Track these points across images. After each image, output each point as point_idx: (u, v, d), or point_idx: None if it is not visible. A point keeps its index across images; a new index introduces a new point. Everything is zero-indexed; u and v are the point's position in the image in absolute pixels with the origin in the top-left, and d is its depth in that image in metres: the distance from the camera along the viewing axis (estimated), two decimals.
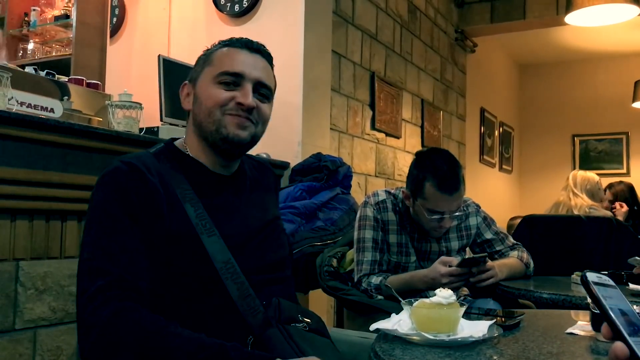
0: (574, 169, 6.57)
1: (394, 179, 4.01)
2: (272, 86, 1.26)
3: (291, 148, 2.85)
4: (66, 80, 2.68)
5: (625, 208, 3.94)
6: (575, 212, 3.30)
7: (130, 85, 2.66)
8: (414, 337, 1.05)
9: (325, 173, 2.62)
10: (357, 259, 1.93)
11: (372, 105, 3.73)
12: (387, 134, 3.92)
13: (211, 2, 3.15)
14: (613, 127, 6.71)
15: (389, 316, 1.16)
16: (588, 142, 6.89)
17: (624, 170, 6.60)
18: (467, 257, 1.95)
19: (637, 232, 3.40)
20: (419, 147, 4.28)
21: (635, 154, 6.66)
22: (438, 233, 1.92)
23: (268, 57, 1.27)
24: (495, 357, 0.99)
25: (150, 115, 2.59)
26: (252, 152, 2.93)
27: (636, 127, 6.60)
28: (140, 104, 2.37)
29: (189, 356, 0.96)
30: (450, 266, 1.74)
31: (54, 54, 3.50)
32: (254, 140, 1.22)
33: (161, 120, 2.58)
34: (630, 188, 4.17)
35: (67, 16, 3.43)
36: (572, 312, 1.36)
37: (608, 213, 3.46)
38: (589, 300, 1.22)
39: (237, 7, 3.06)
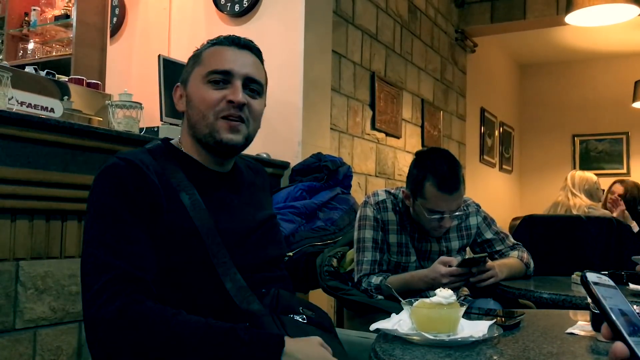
0: (574, 169, 6.58)
1: (394, 179, 4.01)
2: (263, 81, 1.26)
3: (291, 148, 2.85)
4: (66, 80, 2.68)
5: (622, 206, 3.93)
6: (574, 212, 3.30)
7: (130, 85, 2.66)
8: (414, 337, 1.05)
9: (326, 173, 2.62)
10: (357, 258, 1.93)
11: (372, 105, 3.73)
12: (387, 134, 3.92)
13: (211, 2, 3.15)
14: (613, 127, 6.71)
15: (389, 316, 1.16)
16: (588, 142, 6.89)
17: (624, 170, 6.60)
18: (467, 257, 1.95)
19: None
20: (419, 147, 4.28)
21: (635, 154, 6.66)
22: (438, 233, 1.92)
23: (257, 53, 1.27)
24: (495, 357, 0.99)
25: (151, 115, 2.60)
26: (253, 152, 2.91)
27: (636, 127, 6.60)
28: (141, 104, 2.37)
29: (200, 342, 0.98)
30: (450, 266, 1.74)
31: (54, 53, 3.50)
32: (248, 141, 1.23)
33: (161, 120, 2.58)
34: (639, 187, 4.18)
35: (67, 16, 3.43)
36: (572, 312, 1.36)
37: (607, 213, 3.46)
38: (589, 300, 1.22)
39: (237, 7, 3.06)
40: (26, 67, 2.60)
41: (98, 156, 1.91)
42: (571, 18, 3.42)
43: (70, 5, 3.38)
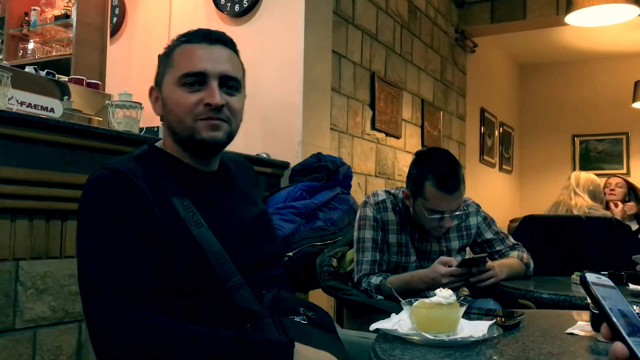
0: (574, 169, 6.58)
1: (394, 179, 4.01)
2: (240, 75, 1.22)
3: (291, 148, 2.85)
4: (66, 80, 2.69)
5: (620, 206, 3.94)
6: (575, 212, 3.29)
7: (130, 85, 2.66)
8: (414, 337, 1.05)
9: (326, 173, 2.62)
10: (357, 259, 1.93)
11: (372, 105, 3.73)
12: (387, 134, 3.92)
13: (211, 2, 3.15)
14: (613, 128, 6.71)
15: (389, 316, 1.16)
16: (588, 142, 6.89)
17: (624, 171, 6.60)
18: (467, 257, 1.95)
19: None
20: (419, 147, 4.28)
21: (635, 154, 6.66)
22: (438, 233, 1.92)
23: (231, 45, 1.22)
24: (495, 357, 0.99)
25: (151, 115, 2.57)
26: (253, 152, 2.91)
27: (636, 128, 6.60)
28: (141, 104, 2.37)
29: (211, 352, 0.98)
30: (450, 266, 1.74)
31: (54, 53, 3.50)
32: (230, 137, 1.20)
33: (161, 120, 2.57)
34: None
35: (67, 16, 3.43)
36: (572, 312, 1.36)
37: (607, 213, 3.46)
38: (588, 300, 1.22)
39: (237, 7, 3.06)
40: (26, 67, 2.60)
41: (98, 156, 1.91)
42: (571, 18, 3.41)
43: (70, 5, 3.38)
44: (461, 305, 1.10)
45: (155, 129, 2.45)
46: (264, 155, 2.75)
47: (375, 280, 1.87)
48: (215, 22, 3.15)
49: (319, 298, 2.37)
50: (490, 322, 1.11)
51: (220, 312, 1.09)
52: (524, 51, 6.71)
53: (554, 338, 1.12)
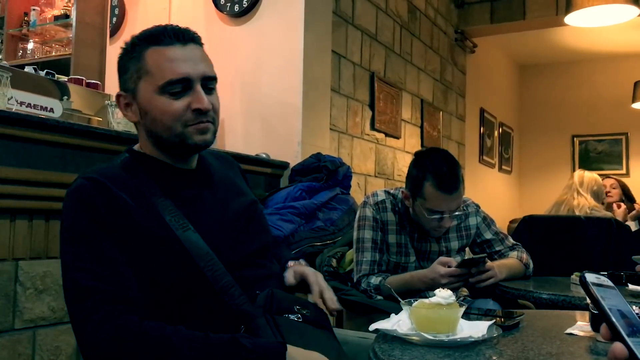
0: (574, 169, 6.57)
1: (394, 179, 4.01)
2: (214, 72, 1.19)
3: (291, 148, 2.85)
4: (66, 80, 2.68)
5: (623, 207, 3.93)
6: (577, 212, 3.27)
7: None
8: (414, 338, 1.05)
9: (325, 173, 2.62)
10: (357, 259, 1.94)
11: (371, 106, 3.73)
12: (386, 134, 3.92)
13: (211, 2, 3.15)
14: (612, 128, 6.72)
15: (389, 316, 1.16)
16: (588, 142, 6.89)
17: (624, 171, 6.61)
18: (466, 257, 1.95)
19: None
20: (418, 148, 4.28)
21: (634, 154, 6.66)
22: (438, 233, 1.92)
23: (199, 41, 1.18)
24: (494, 358, 0.99)
25: None
26: (252, 152, 2.90)
27: (636, 128, 6.61)
28: None
29: (205, 357, 0.97)
30: (449, 267, 1.74)
31: (53, 53, 3.50)
32: (215, 136, 1.20)
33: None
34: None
35: (67, 16, 3.43)
36: (571, 312, 1.36)
37: (608, 214, 3.45)
38: (588, 300, 1.22)
39: (237, 7, 3.06)
40: (26, 67, 2.60)
41: (98, 156, 1.91)
42: (570, 19, 3.42)
43: (70, 5, 3.38)
44: (460, 305, 1.10)
45: None
46: (264, 156, 2.75)
47: (375, 280, 1.87)
48: (215, 22, 3.15)
49: None
50: (490, 323, 1.11)
51: (213, 314, 1.08)
52: (524, 51, 6.71)
53: (554, 338, 1.12)
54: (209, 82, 1.16)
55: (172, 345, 0.98)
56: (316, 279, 1.26)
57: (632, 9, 3.24)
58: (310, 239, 2.32)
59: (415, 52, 4.35)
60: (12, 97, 1.99)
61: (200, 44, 1.18)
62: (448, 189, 1.78)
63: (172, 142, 1.15)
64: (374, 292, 1.86)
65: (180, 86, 1.12)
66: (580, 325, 1.20)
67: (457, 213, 1.86)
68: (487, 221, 2.08)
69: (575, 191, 3.41)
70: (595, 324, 1.13)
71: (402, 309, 1.15)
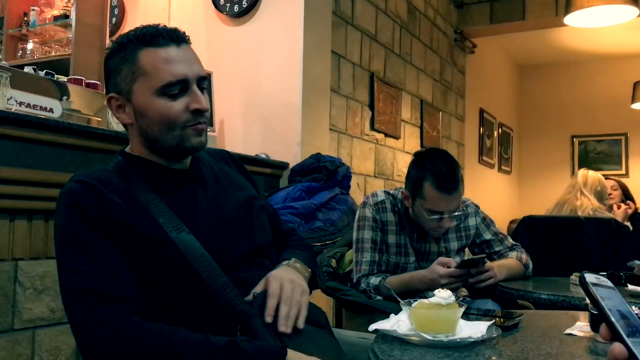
0: (573, 169, 6.58)
1: (393, 179, 4.02)
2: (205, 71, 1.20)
3: (290, 148, 2.85)
4: (65, 80, 2.68)
5: (623, 207, 3.93)
6: (580, 213, 3.24)
7: None
8: (413, 338, 1.05)
9: (325, 173, 2.62)
10: (356, 259, 1.94)
11: (371, 106, 3.73)
12: (386, 135, 3.92)
13: (210, 2, 3.15)
14: (612, 128, 6.72)
15: (388, 317, 1.16)
16: (587, 143, 6.90)
17: (623, 171, 6.61)
18: (466, 258, 1.95)
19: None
20: (418, 148, 4.28)
21: (634, 155, 6.66)
22: (437, 233, 1.92)
23: (189, 41, 1.18)
24: (494, 358, 0.99)
25: None
26: (252, 152, 2.90)
27: (635, 128, 6.61)
28: None
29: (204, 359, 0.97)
30: (449, 267, 1.74)
31: (53, 54, 3.49)
32: (207, 136, 1.20)
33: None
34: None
35: (66, 16, 3.42)
36: (571, 312, 1.36)
37: (611, 216, 3.43)
38: (587, 301, 1.22)
39: (236, 8, 3.06)
40: (25, 67, 2.60)
41: (97, 156, 1.91)
42: (570, 19, 3.42)
43: (70, 5, 3.38)
44: (460, 305, 1.10)
45: None
46: (263, 156, 2.75)
47: (374, 280, 1.87)
48: (215, 22, 3.15)
49: (318, 298, 2.38)
50: (489, 323, 1.11)
51: (210, 315, 1.08)
52: (523, 52, 6.72)
53: (553, 339, 1.12)
54: (202, 82, 1.17)
55: (172, 347, 0.97)
56: (278, 289, 1.11)
57: (632, 10, 3.24)
58: (309, 239, 2.32)
59: (414, 52, 4.35)
60: (11, 97, 1.99)
61: (190, 43, 1.18)
62: (448, 189, 1.78)
63: (169, 144, 1.14)
64: (374, 293, 1.86)
65: (179, 87, 1.11)
66: (580, 326, 1.20)
67: (456, 213, 1.86)
68: (487, 221, 2.08)
69: (579, 191, 3.38)
70: (594, 324, 1.13)
71: (401, 310, 1.15)
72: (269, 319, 1.07)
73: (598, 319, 1.06)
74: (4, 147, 1.68)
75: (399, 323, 1.11)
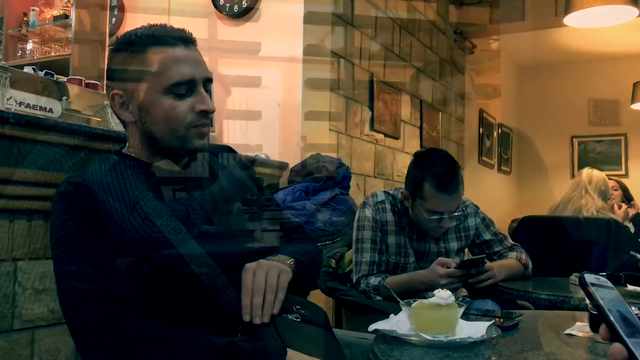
0: (573, 170, 6.58)
1: (393, 179, 4.01)
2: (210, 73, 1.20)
3: (290, 148, 2.85)
4: (65, 80, 2.68)
5: (623, 207, 3.93)
6: (584, 212, 3.22)
7: None
8: (413, 338, 1.05)
9: (324, 174, 2.62)
10: (356, 259, 1.94)
11: (371, 106, 3.73)
12: (386, 135, 3.92)
13: (210, 2, 3.15)
14: (612, 129, 6.72)
15: (388, 317, 1.16)
16: (587, 143, 6.89)
17: (623, 172, 6.61)
18: (465, 258, 1.95)
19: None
20: (417, 148, 4.28)
21: (633, 155, 6.66)
22: (437, 233, 1.92)
23: (196, 42, 1.18)
24: (493, 358, 0.99)
25: None
26: (252, 152, 2.90)
27: (635, 129, 6.61)
28: None
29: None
30: (448, 267, 1.74)
31: (52, 54, 3.50)
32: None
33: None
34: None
35: (66, 16, 3.43)
36: (571, 313, 1.36)
37: (613, 216, 3.42)
38: (587, 301, 1.22)
39: (236, 8, 3.06)
40: (25, 67, 2.60)
41: (97, 156, 1.91)
42: (570, 19, 3.42)
43: (69, 5, 3.38)
44: (460, 306, 1.10)
45: None
46: (263, 156, 2.75)
47: (374, 281, 1.87)
48: (215, 22, 3.15)
49: (318, 298, 2.37)
50: (489, 323, 1.11)
51: (210, 315, 1.08)
52: (523, 52, 6.72)
53: (553, 339, 1.12)
54: (208, 84, 1.17)
55: (172, 348, 0.97)
56: (250, 282, 1.07)
57: (631, 10, 3.24)
58: None
59: (414, 52, 4.35)
60: (11, 97, 1.99)
61: (196, 45, 1.18)
62: (447, 189, 1.78)
63: (171, 144, 1.14)
64: (373, 293, 1.86)
65: (185, 87, 1.11)
66: (580, 326, 1.20)
67: (456, 214, 1.86)
68: (487, 222, 2.08)
69: (584, 189, 3.36)
70: (594, 324, 1.13)
71: (401, 310, 1.15)
72: (246, 317, 1.05)
73: (598, 319, 1.05)
74: (4, 147, 1.67)
75: (398, 323, 1.11)
